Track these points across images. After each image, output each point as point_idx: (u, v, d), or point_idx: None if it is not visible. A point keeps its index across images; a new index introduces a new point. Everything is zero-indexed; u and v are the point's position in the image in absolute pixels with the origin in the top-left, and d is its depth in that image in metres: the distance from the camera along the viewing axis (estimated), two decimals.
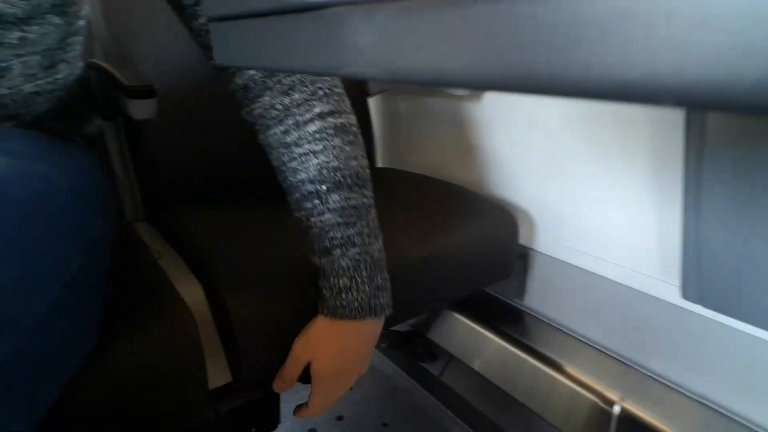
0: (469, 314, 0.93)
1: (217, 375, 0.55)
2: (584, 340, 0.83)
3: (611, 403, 0.68)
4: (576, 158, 0.77)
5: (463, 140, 0.97)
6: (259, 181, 0.88)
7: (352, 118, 0.51)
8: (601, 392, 0.70)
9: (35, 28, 0.45)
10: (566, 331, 0.86)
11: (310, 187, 0.48)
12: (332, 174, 0.47)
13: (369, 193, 0.50)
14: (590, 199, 0.77)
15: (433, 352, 1.13)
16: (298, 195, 0.50)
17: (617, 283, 0.75)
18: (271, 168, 0.89)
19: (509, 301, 0.95)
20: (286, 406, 1.08)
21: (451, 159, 1.01)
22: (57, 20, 0.47)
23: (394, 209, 0.78)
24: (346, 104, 0.51)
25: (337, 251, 0.48)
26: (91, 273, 0.40)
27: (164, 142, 0.81)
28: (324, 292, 0.50)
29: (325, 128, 0.48)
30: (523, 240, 0.87)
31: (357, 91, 1.02)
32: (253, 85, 0.49)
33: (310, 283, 0.53)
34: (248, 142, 0.85)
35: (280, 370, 0.53)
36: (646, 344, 0.74)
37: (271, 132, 0.50)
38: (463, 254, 0.71)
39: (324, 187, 0.47)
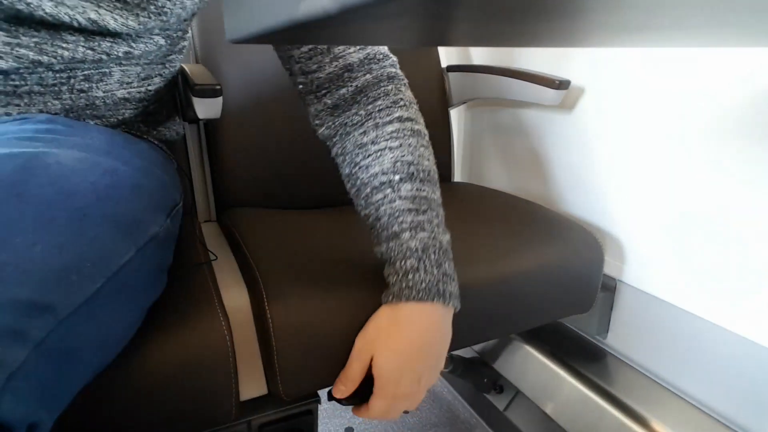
0: (543, 348, 0.83)
1: (253, 385, 0.53)
2: (676, 393, 0.70)
3: None
4: (687, 179, 0.66)
5: (548, 155, 0.89)
6: (323, 194, 0.88)
7: (426, 133, 0.53)
8: None
9: (141, 45, 0.47)
10: (655, 379, 0.74)
11: (383, 178, 0.49)
12: (406, 167, 0.48)
13: (439, 194, 0.51)
14: (700, 229, 0.65)
15: (500, 384, 1.03)
16: (368, 189, 0.50)
17: (730, 332, 0.63)
18: (335, 182, 0.89)
19: (590, 338, 0.84)
20: (334, 422, 1.05)
21: (534, 175, 0.93)
22: (162, 41, 0.50)
23: (468, 226, 0.72)
24: (422, 119, 0.53)
25: (406, 234, 0.47)
26: (141, 268, 0.40)
27: (238, 148, 0.83)
28: (389, 278, 0.48)
29: (403, 129, 0.50)
30: (609, 270, 0.77)
31: (438, 101, 0.98)
32: (342, 103, 0.52)
33: (357, 302, 0.50)
34: (317, 158, 0.87)
35: (342, 371, 0.50)
36: (759, 409, 0.60)
37: (350, 137, 0.52)
38: (539, 279, 0.64)
39: (397, 177, 0.48)
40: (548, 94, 0.77)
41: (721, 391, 0.65)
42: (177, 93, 0.71)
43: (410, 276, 0.46)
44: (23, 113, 0.44)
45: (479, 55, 1.01)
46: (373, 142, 0.50)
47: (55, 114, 0.46)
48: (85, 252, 0.33)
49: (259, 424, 0.55)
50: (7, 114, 0.43)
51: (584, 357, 0.81)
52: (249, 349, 0.53)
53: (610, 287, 0.77)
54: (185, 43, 0.56)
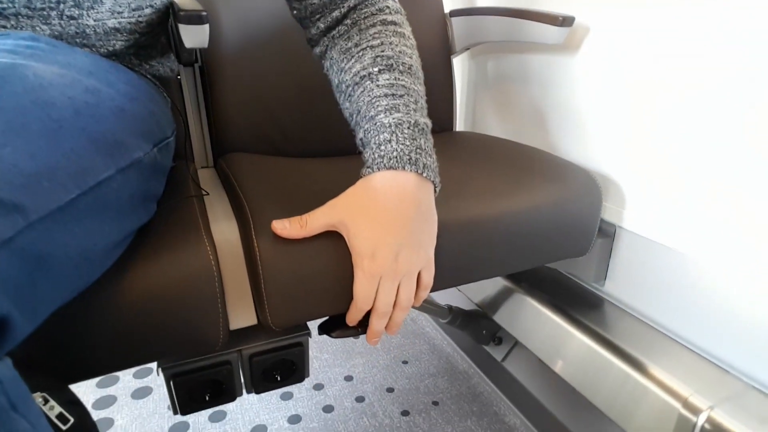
0: (542, 297, 0.83)
1: (243, 316, 0.53)
2: (676, 339, 0.70)
3: (697, 412, 0.56)
4: (691, 125, 0.64)
5: (551, 102, 0.86)
6: (321, 142, 0.87)
7: (413, 40, 0.54)
8: (686, 398, 0.58)
9: None
10: (654, 325, 0.73)
11: (363, 72, 0.50)
12: (385, 60, 0.50)
13: (421, 88, 0.51)
14: (702, 175, 0.63)
15: (499, 335, 1.04)
16: (351, 87, 0.51)
17: (731, 277, 0.61)
18: (334, 130, 0.87)
19: (587, 285, 0.83)
20: (334, 371, 1.07)
21: (537, 123, 0.90)
22: None
23: (464, 170, 0.71)
24: (409, 29, 0.55)
25: (381, 115, 0.48)
26: (123, 191, 0.40)
27: (235, 93, 0.82)
28: (364, 156, 0.48)
29: (385, 30, 0.51)
30: (609, 216, 0.76)
31: (440, 48, 0.95)
32: (335, 23, 0.53)
33: (343, 237, 0.49)
34: (316, 105, 0.85)
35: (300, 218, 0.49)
36: (754, 350, 0.60)
37: (337, 46, 0.53)
38: (533, 219, 0.63)
39: (376, 69, 0.49)
40: (551, 31, 0.74)
41: (722, 337, 0.64)
42: (170, 32, 0.70)
43: (383, 147, 0.46)
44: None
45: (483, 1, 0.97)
46: (356, 45, 0.51)
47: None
48: (59, 161, 0.33)
49: (250, 354, 0.55)
50: None
51: (582, 305, 0.80)
52: (239, 281, 0.53)
53: (609, 233, 0.76)
54: None
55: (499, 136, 0.92)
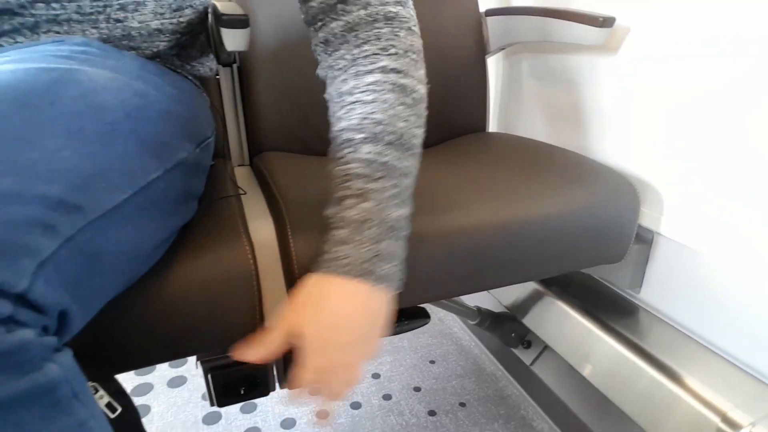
0: (574, 302, 0.82)
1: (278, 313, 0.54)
2: (714, 349, 0.68)
3: (737, 428, 0.55)
4: (735, 131, 0.61)
5: (587, 103, 0.84)
6: None
7: (419, 88, 0.47)
8: (725, 413, 0.57)
9: None
10: (691, 335, 0.71)
11: (346, 134, 0.44)
12: (372, 126, 0.43)
13: (408, 162, 0.45)
14: (744, 183, 0.61)
15: (528, 339, 1.03)
16: (334, 145, 0.46)
17: None
18: None
19: (622, 292, 0.82)
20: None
21: (572, 124, 0.89)
22: None
23: (497, 172, 0.70)
24: (419, 73, 0.47)
25: (348, 201, 0.43)
26: (169, 190, 0.42)
27: (271, 94, 0.84)
28: (324, 246, 0.44)
29: (384, 82, 0.45)
30: (647, 222, 0.74)
31: (474, 48, 0.95)
32: (332, 38, 0.47)
33: None
34: None
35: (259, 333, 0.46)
36: None
37: (334, 84, 0.48)
38: (566, 223, 0.62)
39: (359, 137, 0.44)
40: (591, 33, 0.72)
41: (764, 350, 0.62)
42: (210, 33, 0.72)
43: (338, 248, 0.43)
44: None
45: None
46: (349, 93, 0.45)
47: None
48: (113, 163, 0.35)
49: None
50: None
51: (616, 312, 0.79)
52: (274, 279, 0.55)
53: (646, 239, 0.74)
54: None
55: (533, 137, 0.91)
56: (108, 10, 0.46)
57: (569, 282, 0.86)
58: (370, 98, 0.44)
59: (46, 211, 0.28)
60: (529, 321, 0.91)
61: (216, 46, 0.68)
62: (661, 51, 0.69)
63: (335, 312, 0.43)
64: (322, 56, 0.50)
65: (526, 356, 1.02)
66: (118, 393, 0.37)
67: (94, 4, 0.45)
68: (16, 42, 0.44)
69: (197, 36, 0.61)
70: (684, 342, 0.71)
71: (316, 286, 0.44)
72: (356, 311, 0.43)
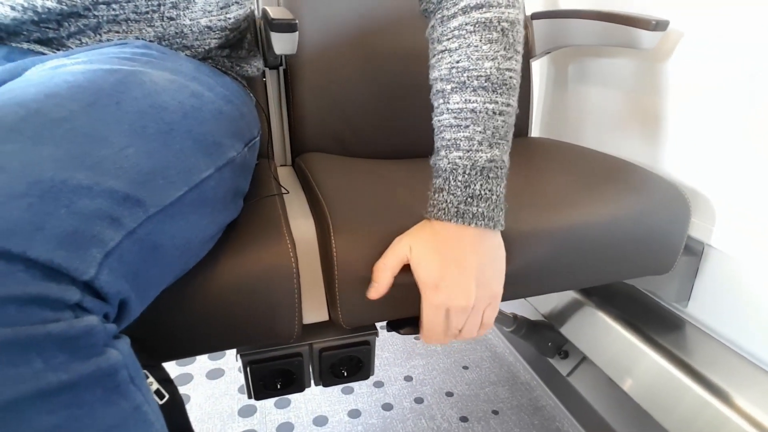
0: (616, 313, 0.79)
1: (316, 311, 0.56)
2: (763, 367, 0.64)
3: None
4: None
5: (636, 108, 0.82)
6: (396, 145, 0.88)
7: (508, 13, 0.46)
8: None
9: None
10: (740, 352, 0.68)
11: (439, 85, 0.48)
12: (459, 74, 0.46)
13: (501, 98, 0.46)
14: None
15: (565, 349, 1.01)
16: (431, 93, 0.49)
17: None
18: (408, 133, 0.87)
19: (667, 305, 0.79)
20: (394, 370, 1.08)
21: (619, 130, 0.86)
22: None
23: (541, 178, 0.69)
24: (505, 5, 0.47)
25: (442, 152, 0.47)
26: (219, 188, 0.44)
27: (315, 96, 0.85)
28: (428, 193, 0.49)
29: (466, 24, 0.46)
30: (697, 233, 0.71)
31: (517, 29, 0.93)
32: None
33: None
34: (392, 108, 0.87)
35: (376, 263, 0.50)
36: None
37: (429, 25, 0.50)
38: (611, 232, 0.60)
39: (449, 87, 0.47)
40: (643, 36, 0.70)
41: None
42: (259, 36, 0.74)
43: (436, 195, 0.47)
44: (122, 39, 0.48)
45: (566, 0, 0.94)
46: (438, 41, 0.48)
47: (150, 42, 0.49)
48: (171, 161, 0.37)
49: (320, 348, 0.57)
50: (108, 40, 0.47)
51: (661, 325, 0.76)
52: (313, 277, 0.56)
53: (696, 251, 0.71)
54: None
55: (577, 143, 0.89)
56: (162, 8, 0.49)
57: (611, 292, 0.83)
58: (455, 45, 0.46)
59: (112, 204, 0.30)
60: (567, 330, 0.89)
61: (264, 49, 0.70)
62: (716, 56, 0.66)
63: (442, 252, 0.46)
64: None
65: (562, 367, 1.00)
66: (165, 381, 0.39)
67: (149, 3, 0.48)
68: (82, 43, 0.47)
69: (244, 35, 0.63)
70: (733, 359, 0.68)
71: (427, 227, 0.48)
72: (465, 251, 0.46)
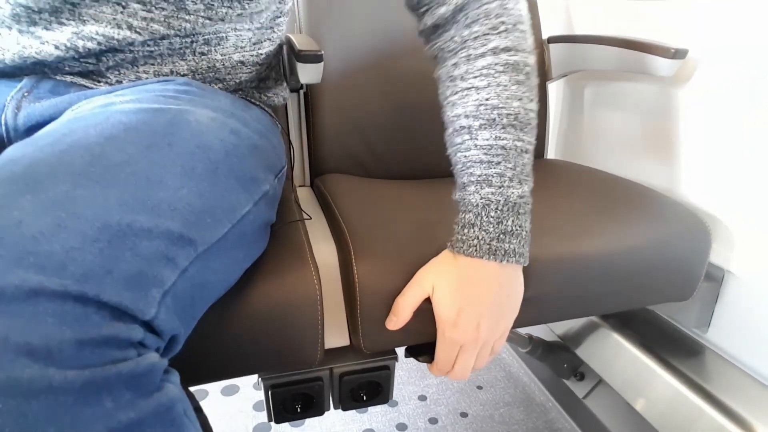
0: (633, 337, 0.79)
1: (337, 336, 0.56)
2: None
3: None
4: None
5: (653, 133, 0.82)
6: (415, 166, 0.89)
7: (530, 59, 0.48)
8: None
9: (253, 5, 0.51)
10: (762, 380, 0.67)
11: (463, 122, 0.48)
12: (489, 111, 0.46)
13: (527, 137, 0.47)
14: None
15: (581, 371, 1.00)
16: (451, 130, 0.49)
17: None
18: (428, 155, 0.88)
19: (687, 331, 0.78)
20: (408, 389, 1.08)
21: (636, 154, 0.87)
22: (270, 3, 0.54)
23: (558, 202, 0.70)
24: (528, 43, 0.49)
25: (471, 188, 0.47)
26: (255, 221, 0.45)
27: (335, 117, 0.87)
28: (454, 227, 0.49)
29: (495, 64, 0.47)
30: (717, 259, 0.71)
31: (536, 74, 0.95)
32: (442, 22, 0.50)
33: None
34: (411, 130, 0.88)
35: (396, 298, 0.51)
36: None
37: (444, 65, 0.50)
38: (632, 259, 0.60)
39: (477, 124, 0.47)
40: (662, 64, 0.71)
41: None
42: (282, 61, 0.75)
43: (466, 230, 0.47)
44: (157, 72, 0.49)
45: (583, 25, 0.95)
46: (462, 78, 0.48)
47: (184, 75, 0.51)
48: (217, 200, 0.38)
49: (341, 372, 0.58)
50: (145, 72, 0.49)
51: (680, 350, 0.75)
52: (335, 302, 0.56)
53: (716, 278, 0.71)
54: (290, 5, 0.59)
55: (592, 165, 0.89)
56: (194, 45, 0.50)
57: (629, 316, 0.83)
58: (484, 84, 0.47)
59: (168, 245, 0.31)
60: (582, 352, 0.89)
61: (287, 76, 0.72)
62: (734, 82, 0.67)
63: (464, 291, 0.47)
64: (431, 38, 0.52)
65: (578, 389, 0.99)
66: (196, 409, 0.40)
67: (183, 40, 0.49)
68: (120, 74, 0.49)
69: (273, 67, 0.64)
70: (754, 386, 0.67)
71: (450, 262, 0.48)
72: (486, 286, 0.47)
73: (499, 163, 0.46)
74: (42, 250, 0.25)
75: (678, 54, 0.69)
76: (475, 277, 0.47)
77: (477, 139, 0.46)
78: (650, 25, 0.80)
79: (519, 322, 0.62)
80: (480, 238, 0.46)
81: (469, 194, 0.47)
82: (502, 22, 0.47)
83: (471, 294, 0.47)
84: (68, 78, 0.47)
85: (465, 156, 0.47)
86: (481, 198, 0.46)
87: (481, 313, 0.47)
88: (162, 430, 0.27)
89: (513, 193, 0.46)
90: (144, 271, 0.29)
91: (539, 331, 1.02)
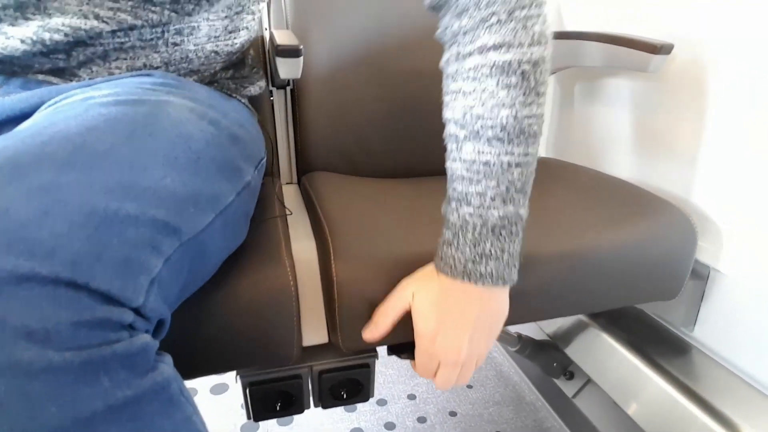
0: (621, 335, 0.78)
1: (316, 334, 0.56)
2: None
3: None
4: None
5: (642, 131, 0.82)
6: (403, 164, 0.89)
7: (531, 53, 0.41)
8: None
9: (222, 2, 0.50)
10: (747, 379, 0.66)
11: (452, 128, 0.45)
12: (473, 121, 0.42)
13: (518, 149, 0.42)
14: None
15: (570, 370, 0.99)
16: (445, 132, 0.47)
17: None
18: (415, 153, 0.86)
19: (674, 329, 0.78)
20: (397, 388, 1.08)
21: (624, 152, 0.86)
22: None
23: (543, 199, 0.69)
24: (529, 33, 0.41)
25: (453, 204, 0.45)
26: (237, 212, 0.45)
27: (322, 114, 0.86)
28: (438, 241, 0.47)
29: (482, 66, 0.41)
30: (703, 257, 0.70)
31: (541, 70, 0.94)
32: (437, 4, 0.45)
33: (422, 265, 0.50)
34: (399, 128, 0.87)
35: (377, 307, 0.50)
36: None
37: (443, 57, 0.47)
38: (618, 257, 0.60)
39: (462, 134, 0.44)
40: (647, 59, 0.70)
41: None
42: (267, 58, 0.75)
43: (445, 248, 0.45)
44: (130, 66, 0.49)
45: (572, 21, 0.94)
46: (453, 78, 0.44)
47: (157, 68, 0.51)
48: (201, 189, 0.38)
49: (320, 370, 0.58)
50: (117, 67, 0.48)
51: (667, 349, 0.75)
52: (314, 300, 0.56)
53: (701, 275, 0.70)
54: None
55: (582, 163, 0.89)
56: (166, 35, 0.50)
57: (617, 314, 0.82)
58: (470, 88, 0.42)
59: (154, 233, 0.31)
60: (572, 351, 0.88)
61: (272, 71, 0.71)
62: (721, 77, 0.66)
63: (441, 304, 0.46)
64: (436, 17, 0.48)
65: (568, 388, 0.98)
66: None
67: (153, 30, 0.48)
68: (93, 72, 0.48)
69: (246, 54, 0.64)
70: (740, 387, 0.67)
71: (433, 274, 0.47)
72: (460, 306, 0.46)
73: (479, 181, 0.43)
74: (30, 237, 0.25)
75: (663, 49, 0.69)
76: (455, 296, 0.46)
77: (461, 151, 0.44)
78: (642, 21, 0.79)
79: (508, 321, 0.62)
80: (456, 258, 0.44)
81: (450, 211, 0.45)
82: (493, 13, 0.40)
83: (450, 311, 0.46)
84: (40, 77, 0.47)
85: (451, 167, 0.45)
86: (459, 217, 0.44)
87: (460, 335, 0.46)
88: (160, 406, 0.28)
89: (493, 214, 0.43)
90: (131, 259, 0.29)
91: (529, 329, 1.01)
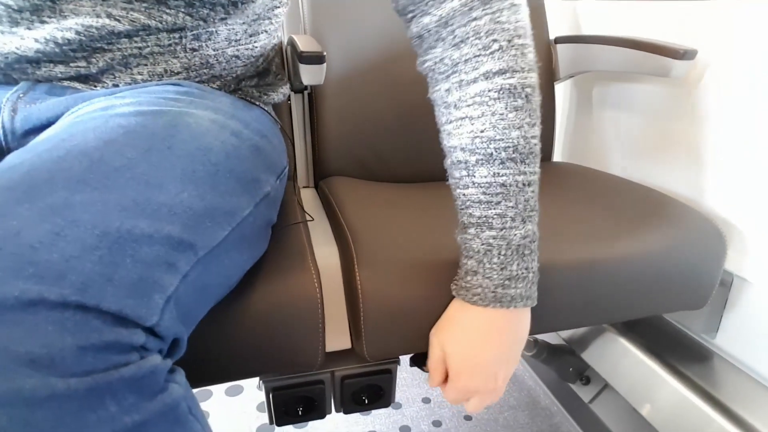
0: (640, 341, 0.78)
1: (338, 339, 0.56)
2: None
3: None
4: None
5: (663, 136, 0.81)
6: (420, 169, 0.89)
7: (530, 78, 0.43)
8: None
9: (239, 11, 0.50)
10: None
11: (460, 155, 0.44)
12: (485, 145, 0.42)
13: (529, 168, 0.43)
14: None
15: (587, 375, 0.99)
16: (449, 161, 0.46)
17: None
18: (432, 158, 0.87)
19: (695, 336, 0.77)
20: (412, 391, 1.08)
21: (647, 158, 0.85)
22: None
23: (568, 207, 0.69)
24: (527, 60, 0.43)
25: (472, 230, 0.44)
26: (256, 223, 0.45)
27: (340, 119, 0.86)
28: (458, 270, 0.47)
29: (489, 90, 0.42)
30: (726, 263, 0.69)
31: (543, 75, 0.93)
32: (426, 34, 0.45)
33: (445, 271, 0.50)
34: (416, 132, 0.87)
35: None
36: None
37: (437, 88, 0.46)
38: (644, 267, 0.59)
39: (473, 159, 0.43)
40: (671, 65, 0.70)
41: None
42: (286, 62, 0.75)
43: (469, 278, 0.45)
44: (151, 72, 0.49)
45: (590, 25, 0.94)
46: (455, 106, 0.44)
47: (178, 74, 0.51)
48: (218, 202, 0.37)
49: (342, 376, 0.58)
50: (139, 73, 0.49)
51: (688, 356, 0.74)
52: (336, 306, 0.56)
53: (725, 282, 0.69)
54: None
55: (600, 168, 0.88)
56: (183, 41, 0.49)
57: (636, 320, 0.82)
58: (478, 113, 0.42)
59: (169, 250, 0.31)
60: (588, 356, 0.88)
61: (291, 76, 0.71)
62: (746, 84, 0.65)
63: (473, 338, 0.47)
64: (419, 52, 0.48)
65: (584, 393, 0.98)
66: None
67: (171, 35, 0.48)
68: (116, 78, 0.48)
69: (272, 60, 0.64)
70: (762, 393, 0.66)
71: (458, 311, 0.48)
72: (493, 335, 0.46)
73: (499, 203, 0.43)
74: (41, 260, 0.25)
75: (687, 54, 0.68)
76: (485, 327, 0.46)
77: (474, 176, 0.43)
78: (658, 26, 0.78)
79: (531, 331, 0.61)
80: (484, 286, 0.44)
81: (470, 238, 0.44)
82: (494, 41, 0.41)
83: (483, 347, 0.47)
84: (65, 83, 0.47)
85: (464, 194, 0.44)
86: (482, 243, 0.43)
87: (495, 364, 0.47)
88: (166, 428, 0.27)
89: (516, 234, 0.43)
90: (145, 278, 0.29)
91: (545, 334, 1.01)
